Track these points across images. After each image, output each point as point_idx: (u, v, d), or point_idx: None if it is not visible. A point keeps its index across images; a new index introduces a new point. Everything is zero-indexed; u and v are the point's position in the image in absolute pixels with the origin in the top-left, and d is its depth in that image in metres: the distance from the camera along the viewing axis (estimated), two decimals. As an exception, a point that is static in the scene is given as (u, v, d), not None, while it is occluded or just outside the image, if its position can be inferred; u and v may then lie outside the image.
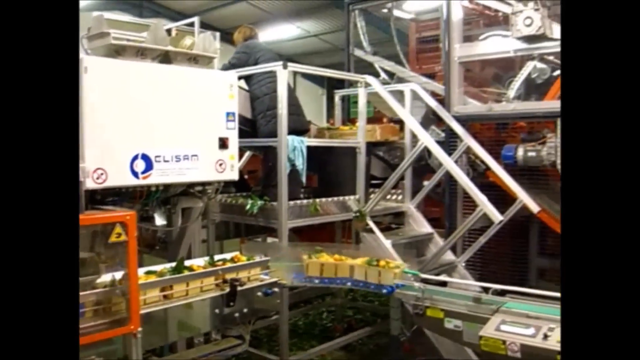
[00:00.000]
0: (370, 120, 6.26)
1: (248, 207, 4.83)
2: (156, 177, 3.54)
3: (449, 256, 5.23)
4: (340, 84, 6.90)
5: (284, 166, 4.68)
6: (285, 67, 4.69)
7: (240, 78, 4.95)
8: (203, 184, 3.92)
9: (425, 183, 5.72)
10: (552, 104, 5.11)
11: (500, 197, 5.03)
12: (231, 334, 3.87)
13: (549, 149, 4.97)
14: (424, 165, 5.85)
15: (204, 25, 5.11)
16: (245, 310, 3.46)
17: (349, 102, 7.07)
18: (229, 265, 3.53)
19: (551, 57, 5.64)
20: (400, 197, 5.89)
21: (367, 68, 7.14)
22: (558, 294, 3.54)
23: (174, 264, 3.37)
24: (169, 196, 3.94)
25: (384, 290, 3.87)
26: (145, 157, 3.47)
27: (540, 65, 5.74)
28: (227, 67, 5.18)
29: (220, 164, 3.88)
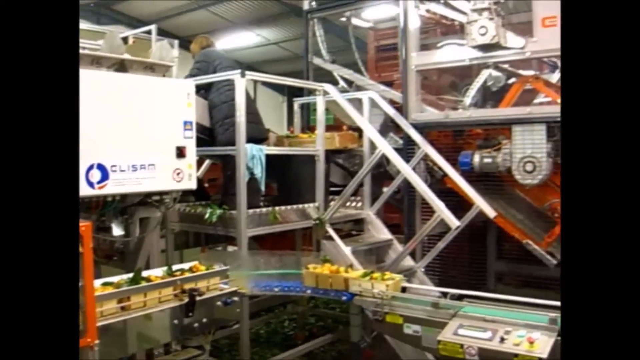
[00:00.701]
0: (330, 128, 6.29)
1: (207, 216, 4.80)
2: (112, 187, 3.50)
3: (408, 262, 5.27)
4: (301, 91, 6.92)
5: (242, 175, 4.67)
6: (243, 75, 4.69)
7: (199, 89, 4.94)
8: (160, 193, 3.89)
9: (385, 189, 5.76)
10: (506, 111, 5.22)
11: (458, 203, 5.10)
12: (191, 344, 3.84)
13: (504, 155, 5.05)
14: (383, 172, 5.90)
15: (163, 33, 5.10)
16: (204, 320, 3.43)
17: (309, 110, 7.09)
18: (187, 275, 3.49)
19: (506, 65, 5.76)
20: (359, 204, 5.93)
21: (326, 76, 7.17)
22: (514, 297, 3.63)
23: (131, 275, 3.33)
24: (126, 206, 3.89)
25: (344, 297, 3.89)
26: (100, 167, 3.43)
27: (495, 73, 5.86)
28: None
29: (178, 173, 3.85)
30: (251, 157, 4.76)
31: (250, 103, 5.25)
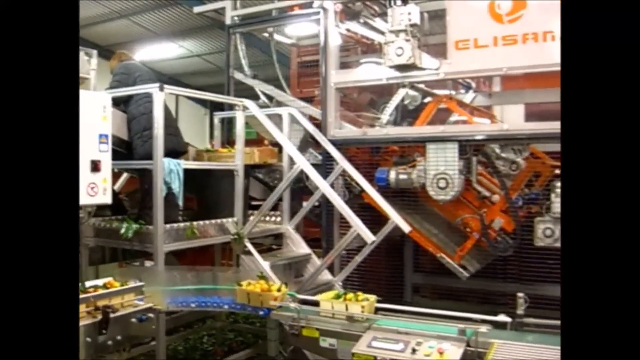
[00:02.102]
0: (253, 142, 6.28)
1: (122, 231, 4.71)
2: (22, 202, 3.40)
3: (326, 276, 5.31)
4: (223, 105, 6.88)
5: (159, 189, 4.62)
6: (161, 89, 4.65)
7: (118, 102, 4.87)
8: (74, 208, 3.80)
9: (305, 204, 5.81)
10: (421, 129, 5.38)
11: (377, 218, 5.21)
12: (106, 362, 3.76)
13: (419, 172, 5.19)
14: (302, 187, 5.96)
15: (83, 42, 4.97)
16: (119, 337, 3.40)
17: (230, 124, 7.06)
18: (100, 291, 3.44)
19: (421, 85, 5.95)
20: (279, 219, 5.96)
21: (248, 90, 7.16)
22: (426, 310, 3.76)
23: (41, 292, 3.24)
24: (37, 220, 3.78)
25: (261, 312, 3.92)
26: (10, 181, 3.32)
27: (411, 92, 6.04)
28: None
29: (92, 187, 3.79)
30: (169, 172, 4.71)
31: (169, 116, 5.21)
